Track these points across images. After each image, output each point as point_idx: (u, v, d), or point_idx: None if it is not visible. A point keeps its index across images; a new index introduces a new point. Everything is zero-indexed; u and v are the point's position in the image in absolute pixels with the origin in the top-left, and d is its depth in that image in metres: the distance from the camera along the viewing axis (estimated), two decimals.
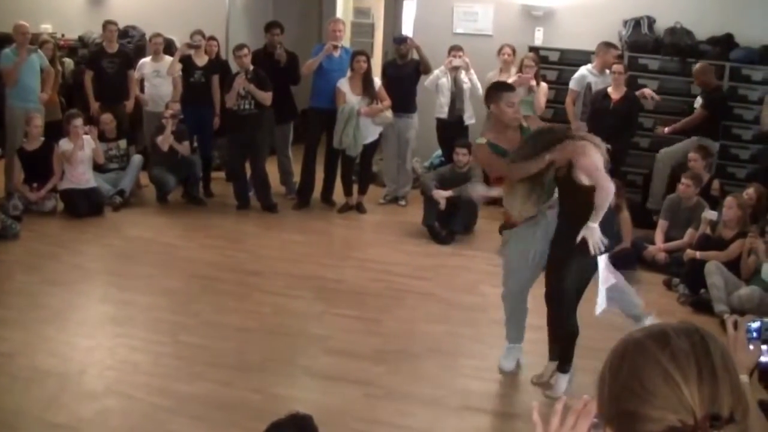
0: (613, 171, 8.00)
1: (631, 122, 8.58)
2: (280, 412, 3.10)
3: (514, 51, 9.24)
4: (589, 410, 1.57)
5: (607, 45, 8.91)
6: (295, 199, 9.28)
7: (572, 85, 9.05)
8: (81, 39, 11.00)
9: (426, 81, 9.16)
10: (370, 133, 8.85)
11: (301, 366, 5.26)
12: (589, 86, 8.86)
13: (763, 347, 2.20)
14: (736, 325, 2.12)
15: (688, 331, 1.43)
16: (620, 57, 9.19)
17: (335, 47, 8.84)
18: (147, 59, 9.73)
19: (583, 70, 9.00)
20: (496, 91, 5.11)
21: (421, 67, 9.11)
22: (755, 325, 2.17)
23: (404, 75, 9.16)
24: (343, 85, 8.68)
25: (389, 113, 8.79)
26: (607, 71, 8.87)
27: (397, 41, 9.54)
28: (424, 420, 4.68)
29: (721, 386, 1.36)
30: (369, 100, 8.66)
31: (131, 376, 4.97)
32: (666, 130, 8.87)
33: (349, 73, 8.75)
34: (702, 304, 6.61)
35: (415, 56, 9.18)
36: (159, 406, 4.63)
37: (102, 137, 8.96)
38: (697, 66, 8.81)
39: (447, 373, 5.28)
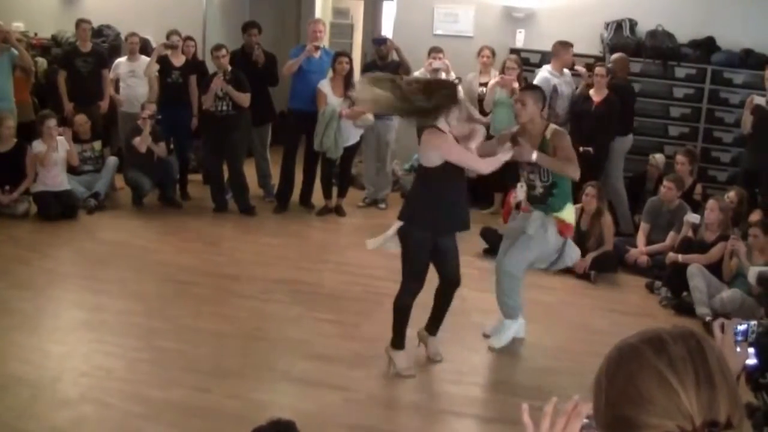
0: (595, 174, 8.05)
1: (612, 125, 8.55)
2: (258, 418, 3.00)
3: (493, 53, 9.19)
4: (580, 411, 1.56)
5: (564, 44, 8.80)
6: (273, 201, 9.19)
7: None
8: (54, 38, 10.83)
9: None
10: (351, 135, 8.76)
11: (279, 371, 5.16)
12: (555, 89, 8.77)
13: (750, 350, 2.19)
14: (723, 328, 2.09)
15: (684, 335, 1.41)
16: (602, 59, 9.18)
17: (316, 48, 8.75)
18: (122, 59, 9.61)
19: (545, 73, 8.84)
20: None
21: (401, 69, 9.02)
22: (742, 327, 2.18)
23: None
24: (325, 86, 8.58)
25: (370, 116, 8.69)
26: (566, 70, 8.82)
27: (376, 42, 9.46)
28: (404, 425, 4.62)
29: (718, 392, 1.34)
30: (350, 102, 8.57)
31: (106, 383, 4.85)
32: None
33: (330, 75, 8.67)
34: (684, 307, 6.61)
35: (395, 58, 9.11)
36: (134, 413, 4.52)
37: (76, 138, 8.82)
38: (616, 56, 8.83)
39: (427, 377, 5.21)
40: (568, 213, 5.60)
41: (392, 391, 4.95)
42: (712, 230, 6.96)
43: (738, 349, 2.11)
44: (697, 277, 6.53)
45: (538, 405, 1.61)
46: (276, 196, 9.18)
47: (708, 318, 6.20)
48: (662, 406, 1.33)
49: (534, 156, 5.28)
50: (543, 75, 8.85)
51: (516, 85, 8.61)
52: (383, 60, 9.21)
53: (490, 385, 5.20)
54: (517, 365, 5.50)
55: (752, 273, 6.28)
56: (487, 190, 9.36)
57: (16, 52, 8.82)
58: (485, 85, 9.12)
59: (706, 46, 9.24)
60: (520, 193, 7.68)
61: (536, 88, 5.95)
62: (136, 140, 8.65)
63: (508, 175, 8.49)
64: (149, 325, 5.71)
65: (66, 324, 5.81)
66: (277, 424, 2.90)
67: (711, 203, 7.02)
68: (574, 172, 5.36)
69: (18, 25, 10.70)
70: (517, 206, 7.69)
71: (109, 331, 5.60)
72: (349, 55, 8.98)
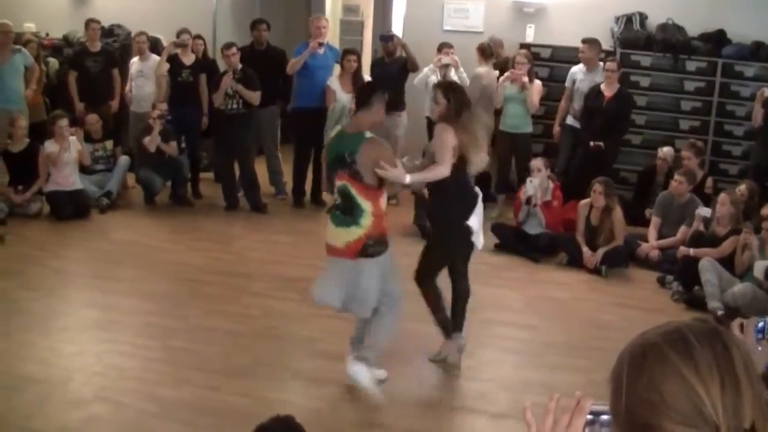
0: (604, 169, 8.03)
1: (623, 119, 8.53)
2: (269, 416, 3.01)
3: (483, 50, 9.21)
4: (583, 407, 1.51)
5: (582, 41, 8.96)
6: (285, 198, 9.25)
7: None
8: (66, 38, 10.87)
9: (415, 79, 9.07)
10: None
11: (290, 369, 5.17)
12: (573, 82, 8.93)
13: None
14: (742, 328, 2.05)
15: (710, 336, 1.35)
16: (613, 54, 9.15)
17: (321, 45, 8.76)
18: (136, 58, 9.62)
19: (575, 67, 9.04)
20: None
21: (409, 65, 9.03)
22: (762, 324, 2.12)
23: (392, 73, 9.07)
24: (333, 83, 8.59)
25: None
26: (601, 68, 8.83)
27: (382, 39, 9.46)
28: (415, 421, 4.61)
29: (744, 398, 1.30)
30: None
31: (118, 382, 4.87)
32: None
33: (339, 71, 8.67)
34: (695, 301, 6.59)
35: (403, 54, 9.10)
36: (147, 412, 4.54)
37: (88, 138, 8.86)
38: (491, 38, 9.27)
39: (438, 374, 5.22)
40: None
41: (402, 388, 4.94)
42: (724, 224, 6.93)
43: (759, 348, 2.06)
44: (708, 271, 6.50)
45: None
46: (293, 192, 9.22)
47: (720, 312, 6.18)
48: (686, 414, 1.30)
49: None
50: (573, 69, 9.03)
51: (526, 79, 8.59)
52: (391, 56, 9.21)
53: (501, 381, 5.18)
54: (528, 361, 5.49)
55: (759, 267, 6.25)
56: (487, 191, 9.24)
57: (28, 53, 8.87)
58: None
59: (717, 39, 9.19)
60: (530, 188, 7.72)
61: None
62: (146, 140, 8.68)
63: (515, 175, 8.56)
64: (161, 324, 5.73)
65: (78, 324, 5.84)
66: (277, 419, 2.94)
67: (722, 197, 6.99)
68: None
69: (29, 26, 10.75)
70: (528, 201, 7.72)
71: (120, 331, 5.62)
72: (357, 52, 8.98)
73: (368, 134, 4.67)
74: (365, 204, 4.64)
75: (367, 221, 4.64)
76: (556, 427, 1.52)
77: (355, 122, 4.87)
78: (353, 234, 4.65)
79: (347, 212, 4.66)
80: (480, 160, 5.11)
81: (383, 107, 4.88)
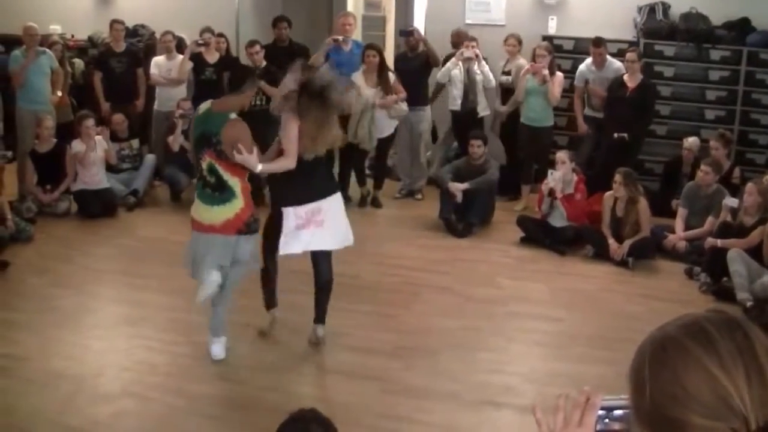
0: (628, 160, 7.99)
1: (647, 110, 8.48)
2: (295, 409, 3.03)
3: (519, 41, 9.15)
4: (594, 403, 1.48)
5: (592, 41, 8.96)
6: None
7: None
8: (90, 39, 10.95)
9: (438, 73, 9.07)
10: (386, 126, 8.77)
11: (317, 363, 5.21)
12: (586, 83, 9.01)
13: None
14: None
15: (730, 326, 1.32)
16: (635, 44, 9.09)
17: (336, 41, 8.78)
18: (161, 57, 9.65)
19: (583, 66, 9.06)
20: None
21: (430, 60, 9.03)
22: None
23: (414, 68, 9.07)
24: (357, 78, 8.60)
25: (404, 105, 8.69)
26: (614, 65, 8.85)
27: (402, 34, 9.46)
28: (442, 415, 4.62)
29: None
30: (383, 93, 8.57)
31: (147, 377, 4.94)
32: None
33: (362, 67, 8.69)
34: (724, 293, 6.52)
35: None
36: (175, 407, 4.60)
37: (114, 137, 8.94)
38: (458, 29, 9.39)
39: (465, 367, 5.22)
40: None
41: (429, 382, 4.96)
42: (751, 214, 6.87)
43: None
44: (737, 261, 6.44)
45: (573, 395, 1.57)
46: None
47: (749, 303, 6.13)
48: (712, 407, 1.27)
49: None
50: (580, 68, 9.02)
51: (546, 72, 8.54)
52: (413, 51, 9.21)
53: (528, 374, 5.18)
54: (555, 354, 5.48)
55: None
56: (515, 182, 9.21)
57: (53, 55, 8.96)
58: (509, 73, 9.12)
59: (741, 27, 9.07)
60: (551, 180, 7.69)
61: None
62: (169, 139, 8.74)
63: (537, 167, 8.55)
64: (189, 320, 5.77)
65: (107, 320, 5.91)
66: (303, 410, 2.94)
67: (749, 186, 6.92)
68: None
69: (55, 28, 10.83)
70: (550, 193, 7.70)
71: (149, 327, 5.69)
72: (377, 48, 8.95)
73: (232, 115, 4.96)
74: (233, 180, 4.93)
75: (239, 197, 4.94)
76: (569, 426, 1.50)
77: (222, 103, 5.09)
78: (230, 211, 4.94)
79: (218, 189, 4.93)
80: (316, 148, 5.19)
81: (253, 92, 5.11)
